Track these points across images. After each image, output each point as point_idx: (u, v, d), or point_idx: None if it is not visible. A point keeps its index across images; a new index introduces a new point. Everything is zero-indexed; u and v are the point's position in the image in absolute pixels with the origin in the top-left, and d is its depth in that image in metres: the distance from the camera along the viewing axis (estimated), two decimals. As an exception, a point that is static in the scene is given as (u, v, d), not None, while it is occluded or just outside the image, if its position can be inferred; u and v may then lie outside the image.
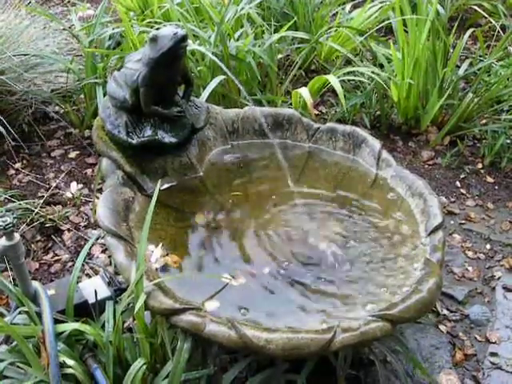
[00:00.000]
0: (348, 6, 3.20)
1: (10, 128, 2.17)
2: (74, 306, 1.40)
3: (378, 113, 2.69)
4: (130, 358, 1.31)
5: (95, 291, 1.47)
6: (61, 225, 2.01)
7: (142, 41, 2.38)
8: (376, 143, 1.74)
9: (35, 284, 1.40)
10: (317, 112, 2.71)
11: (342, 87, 2.28)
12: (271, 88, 2.62)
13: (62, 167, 2.33)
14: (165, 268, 1.34)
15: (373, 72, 2.47)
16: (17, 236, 1.28)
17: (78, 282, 1.46)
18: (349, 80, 2.76)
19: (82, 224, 2.04)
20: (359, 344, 1.19)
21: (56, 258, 1.89)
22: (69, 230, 2.00)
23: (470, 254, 2.00)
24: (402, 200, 1.61)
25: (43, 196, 2.13)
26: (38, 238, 1.95)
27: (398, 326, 1.30)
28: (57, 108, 2.59)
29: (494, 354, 1.63)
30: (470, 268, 1.93)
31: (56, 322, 1.31)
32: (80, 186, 2.22)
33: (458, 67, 2.69)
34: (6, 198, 2.03)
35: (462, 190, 2.34)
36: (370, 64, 2.78)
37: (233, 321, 1.15)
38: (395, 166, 1.69)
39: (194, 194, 1.63)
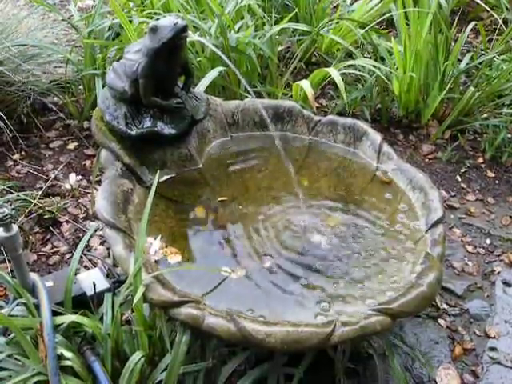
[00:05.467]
0: (349, -2, 3.18)
1: (7, 119, 2.16)
2: (73, 298, 1.40)
3: (379, 106, 2.68)
4: (129, 351, 1.30)
5: (93, 283, 1.46)
6: (59, 216, 2.00)
7: (140, 32, 2.36)
8: (377, 136, 1.73)
9: (33, 276, 1.39)
10: (317, 105, 2.70)
11: (343, 80, 2.26)
12: (271, 80, 2.60)
13: (61, 158, 2.31)
14: (164, 260, 1.34)
15: (373, 66, 2.46)
16: (15, 227, 1.27)
17: (76, 274, 1.45)
18: (349, 73, 2.74)
19: (81, 216, 2.03)
20: (359, 338, 1.19)
21: (54, 249, 1.88)
22: (67, 221, 1.99)
23: (469, 248, 1.99)
24: (402, 193, 1.60)
25: (42, 187, 2.12)
26: (37, 229, 1.95)
27: (398, 320, 1.29)
28: (55, 99, 2.58)
29: (493, 349, 1.63)
30: (469, 262, 1.93)
31: (54, 314, 1.30)
32: (79, 177, 2.21)
33: (460, 61, 2.68)
34: (4, 189, 2.01)
35: (463, 185, 2.33)
36: (370, 57, 2.76)
37: (232, 314, 1.14)
38: (396, 160, 1.68)
39: (193, 186, 1.62)
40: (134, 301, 1.18)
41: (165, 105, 1.61)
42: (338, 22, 2.89)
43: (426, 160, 2.46)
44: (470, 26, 2.60)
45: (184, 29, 1.47)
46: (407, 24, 2.51)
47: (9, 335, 1.35)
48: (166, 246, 1.37)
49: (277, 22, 2.74)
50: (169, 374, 1.20)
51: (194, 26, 2.44)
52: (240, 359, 1.33)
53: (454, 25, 2.68)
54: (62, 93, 2.48)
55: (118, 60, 1.71)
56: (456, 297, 1.79)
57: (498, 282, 1.86)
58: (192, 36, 2.25)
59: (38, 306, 1.31)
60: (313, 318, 1.22)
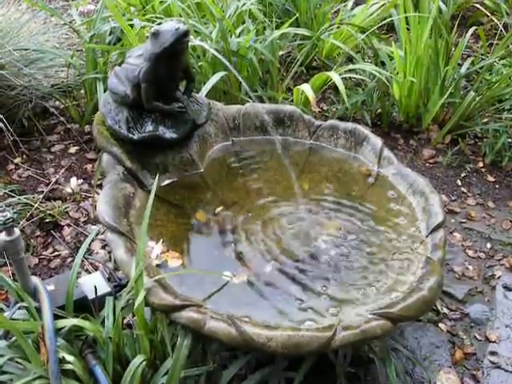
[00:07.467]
0: (350, 3, 3.19)
1: (8, 123, 2.16)
2: (74, 302, 1.40)
3: (379, 110, 2.68)
4: (130, 355, 1.30)
5: (95, 287, 1.46)
6: (60, 220, 2.00)
7: (142, 36, 2.37)
8: (377, 141, 1.74)
9: (35, 279, 1.39)
10: (318, 109, 2.71)
11: (344, 84, 2.27)
12: (272, 84, 2.61)
13: (62, 162, 2.32)
14: (165, 264, 1.34)
15: (374, 70, 2.47)
16: (16, 231, 1.27)
17: (77, 278, 1.45)
18: (350, 77, 2.75)
19: (82, 219, 2.04)
20: (359, 342, 1.19)
21: (56, 253, 1.89)
22: (68, 225, 2.00)
23: (470, 252, 1.99)
24: (403, 198, 1.60)
25: (43, 191, 2.12)
26: (38, 233, 1.95)
27: (398, 324, 1.29)
28: (57, 103, 2.58)
29: (493, 353, 1.63)
30: (470, 267, 1.93)
31: (55, 317, 1.30)
32: (80, 181, 2.21)
33: (460, 65, 2.69)
34: (5, 192, 2.02)
35: (463, 189, 2.33)
36: (371, 61, 2.77)
37: (233, 318, 1.14)
38: (396, 164, 1.69)
39: (194, 191, 1.62)
40: (136, 304, 1.18)
41: (166, 109, 1.61)
42: (338, 27, 2.90)
43: (427, 164, 2.47)
44: (471, 31, 2.61)
45: (185, 34, 1.48)
46: (408, 29, 2.52)
47: (10, 339, 1.35)
48: (168, 250, 1.37)
49: (278, 27, 2.76)
50: (170, 377, 1.20)
51: (195, 31, 2.45)
52: (241, 363, 1.33)
53: (455, 30, 2.68)
54: (63, 97, 2.49)
55: (119, 64, 1.71)
56: (456, 301, 1.79)
57: (498, 286, 1.86)
58: (193, 40, 2.26)
59: (39, 310, 1.31)
60: (314, 322, 1.22)
